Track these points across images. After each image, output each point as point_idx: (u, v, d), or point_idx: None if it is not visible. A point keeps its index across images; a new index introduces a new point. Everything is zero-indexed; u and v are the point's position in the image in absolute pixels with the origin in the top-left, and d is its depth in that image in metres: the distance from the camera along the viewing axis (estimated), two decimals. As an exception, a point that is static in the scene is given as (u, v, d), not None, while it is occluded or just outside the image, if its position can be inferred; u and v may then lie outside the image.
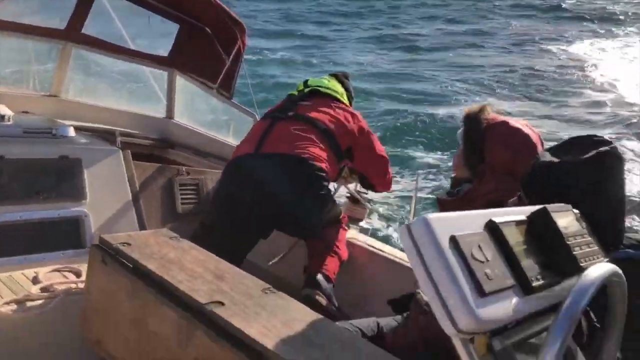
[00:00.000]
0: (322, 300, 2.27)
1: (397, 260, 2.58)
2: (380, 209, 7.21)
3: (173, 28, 3.70)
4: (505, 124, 1.66)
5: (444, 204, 1.74)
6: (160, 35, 3.93)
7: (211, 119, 4.09)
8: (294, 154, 2.42)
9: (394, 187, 3.19)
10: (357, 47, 20.55)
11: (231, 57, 3.54)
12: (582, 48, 20.24)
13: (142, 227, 2.68)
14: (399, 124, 13.16)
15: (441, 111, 13.49)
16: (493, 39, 21.74)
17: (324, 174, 2.45)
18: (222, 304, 1.39)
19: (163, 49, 3.83)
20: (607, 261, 0.98)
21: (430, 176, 8.95)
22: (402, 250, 2.78)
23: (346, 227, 2.73)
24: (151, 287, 1.48)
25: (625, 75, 16.54)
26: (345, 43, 21.16)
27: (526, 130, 1.65)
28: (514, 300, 0.82)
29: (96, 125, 3.47)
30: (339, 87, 2.80)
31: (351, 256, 2.64)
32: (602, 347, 1.04)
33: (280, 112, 2.63)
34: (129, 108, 3.92)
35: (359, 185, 3.16)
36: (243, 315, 1.34)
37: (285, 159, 2.42)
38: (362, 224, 3.16)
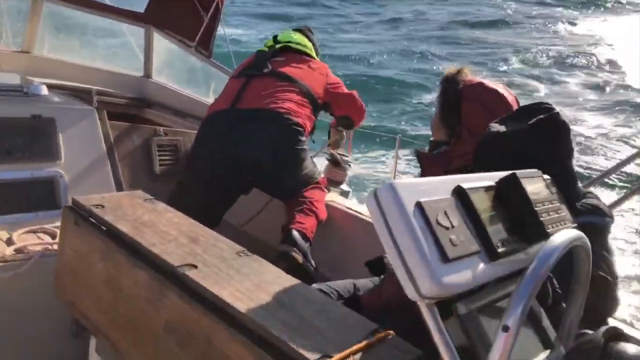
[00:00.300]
0: (298, 257, 2.28)
1: (371, 221, 2.59)
2: (364, 173, 7.26)
3: (149, -18, 3.58)
4: (481, 84, 1.67)
5: (422, 158, 1.76)
6: (136, -10, 3.79)
7: (190, 78, 4.00)
8: (270, 109, 2.41)
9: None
10: (345, 29, 20.36)
11: (209, 13, 3.44)
12: (573, 28, 20.16)
13: (119, 188, 2.65)
14: (386, 99, 13.20)
15: (429, 88, 13.50)
16: (482, 17, 21.51)
17: (300, 129, 2.46)
18: (194, 266, 1.38)
19: (139, 5, 3.70)
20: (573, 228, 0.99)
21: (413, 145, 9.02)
22: None
23: (326, 189, 2.73)
24: (124, 250, 1.47)
25: (622, 56, 16.54)
26: (331, 23, 20.97)
27: (502, 91, 1.65)
28: (479, 266, 0.82)
29: (71, 83, 3.39)
30: (307, 42, 2.80)
31: (330, 218, 2.65)
32: (568, 309, 1.06)
33: (254, 69, 2.58)
34: (105, 66, 3.82)
35: (340, 148, 3.15)
36: (215, 278, 1.34)
37: (261, 113, 2.41)
38: (343, 186, 3.16)
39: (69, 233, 1.66)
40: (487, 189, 0.92)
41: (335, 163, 3.14)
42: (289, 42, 2.72)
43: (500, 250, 0.85)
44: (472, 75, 1.75)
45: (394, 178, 3.72)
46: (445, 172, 1.61)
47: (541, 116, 1.35)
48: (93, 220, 1.60)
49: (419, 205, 0.77)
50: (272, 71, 2.55)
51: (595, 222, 1.31)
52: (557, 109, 1.40)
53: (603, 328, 0.89)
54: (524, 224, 0.94)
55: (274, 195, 2.69)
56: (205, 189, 2.44)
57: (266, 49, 2.73)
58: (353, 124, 2.98)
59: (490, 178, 0.98)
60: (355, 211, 2.72)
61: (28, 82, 2.84)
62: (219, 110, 2.50)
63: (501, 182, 0.94)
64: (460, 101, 1.65)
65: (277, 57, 2.64)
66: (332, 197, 2.88)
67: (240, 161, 2.40)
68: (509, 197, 0.94)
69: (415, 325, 1.06)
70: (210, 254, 1.48)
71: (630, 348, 0.92)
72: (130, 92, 3.71)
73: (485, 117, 1.56)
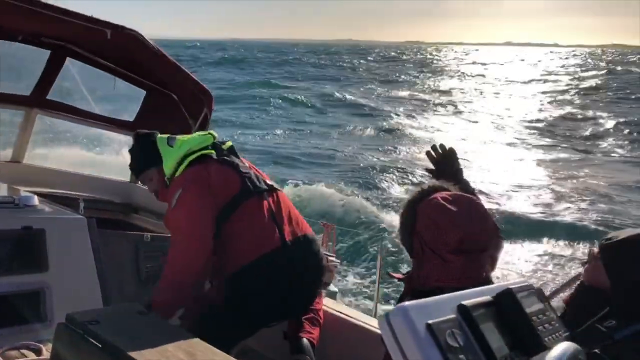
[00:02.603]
0: None
1: (365, 325, 2.61)
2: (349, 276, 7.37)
3: (140, 93, 3.76)
4: (432, 200, 1.62)
5: (405, 283, 1.79)
6: (126, 100, 3.97)
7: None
8: (307, 235, 2.43)
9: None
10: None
11: (198, 123, 3.60)
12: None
13: (106, 297, 2.61)
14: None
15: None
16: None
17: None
18: None
19: (129, 114, 3.87)
20: (567, 337, 1.05)
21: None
22: (366, 313, 2.82)
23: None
24: None
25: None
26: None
27: (450, 206, 1.58)
28: None
29: (58, 191, 3.43)
30: None
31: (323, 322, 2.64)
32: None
33: (255, 185, 2.42)
34: (93, 172, 3.91)
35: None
36: None
37: (306, 242, 2.40)
38: (330, 287, 3.17)
39: (63, 352, 1.63)
40: (486, 304, 0.98)
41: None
42: (225, 142, 2.57)
43: (505, 368, 0.90)
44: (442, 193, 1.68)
45: (379, 274, 3.76)
46: (413, 293, 1.60)
47: None
48: (89, 338, 1.59)
49: (429, 328, 0.82)
50: (269, 186, 2.47)
51: None
52: None
53: None
54: (523, 337, 0.99)
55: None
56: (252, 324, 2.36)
57: (213, 153, 2.45)
58: None
59: (487, 293, 1.04)
60: (346, 314, 2.73)
61: (15, 192, 2.87)
62: (273, 251, 2.31)
63: (498, 298, 1.01)
64: (414, 221, 1.62)
65: (241, 161, 2.51)
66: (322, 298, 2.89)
67: (297, 284, 2.36)
68: (506, 311, 1.00)
69: None
70: None
71: None
72: (117, 198, 3.77)
73: (434, 233, 1.55)
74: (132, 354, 1.49)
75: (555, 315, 1.11)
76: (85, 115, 3.76)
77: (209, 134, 2.50)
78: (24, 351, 2.14)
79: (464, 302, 0.92)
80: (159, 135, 2.56)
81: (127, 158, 4.00)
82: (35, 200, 2.72)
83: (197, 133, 2.55)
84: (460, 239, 1.50)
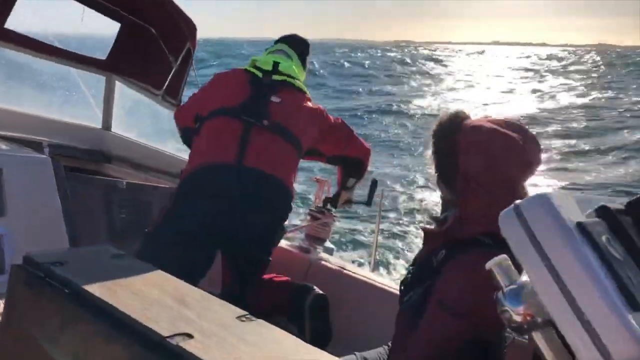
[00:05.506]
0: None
1: (364, 279, 2.39)
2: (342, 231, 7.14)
3: (113, 27, 3.35)
4: (477, 127, 1.39)
5: (428, 235, 1.51)
6: (98, 35, 3.55)
7: (155, 129, 3.72)
8: (277, 178, 2.22)
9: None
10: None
11: (179, 59, 3.21)
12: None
13: (76, 247, 2.29)
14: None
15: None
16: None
17: (291, 200, 2.33)
18: (190, 336, 1.07)
19: (101, 51, 3.45)
20: None
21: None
22: (361, 266, 2.63)
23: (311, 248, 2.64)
24: (94, 317, 1.14)
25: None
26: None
27: (503, 129, 1.37)
28: None
29: (20, 135, 3.03)
30: (301, 71, 2.56)
31: (322, 281, 2.39)
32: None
33: (252, 114, 2.26)
34: (60, 117, 3.50)
35: (322, 202, 2.90)
36: (220, 350, 1.03)
37: (267, 180, 2.20)
38: (326, 244, 2.89)
39: (19, 298, 1.30)
40: (620, 212, 0.70)
41: (317, 219, 2.85)
42: (290, 76, 2.43)
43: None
44: (471, 116, 1.48)
45: (377, 237, 3.50)
46: (447, 246, 1.36)
47: None
48: (51, 281, 1.27)
49: (581, 228, 0.53)
50: (272, 123, 2.27)
51: None
52: None
53: None
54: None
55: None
56: (192, 247, 2.12)
57: (260, 75, 2.39)
58: (358, 166, 2.65)
59: (594, 203, 0.76)
60: (343, 268, 2.50)
61: None
62: (221, 163, 2.19)
63: (636, 204, 0.72)
64: (456, 152, 1.38)
65: (274, 97, 2.33)
66: (319, 256, 2.66)
67: (228, 207, 2.16)
68: None
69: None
70: (207, 319, 1.17)
71: None
72: (87, 145, 3.39)
73: (486, 164, 1.32)
74: (107, 299, 1.19)
75: None
76: (51, 51, 3.32)
77: (278, 61, 2.44)
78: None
79: (608, 205, 0.63)
80: (286, 36, 2.65)
81: (98, 102, 3.63)
82: None
83: (274, 56, 2.50)
84: (520, 169, 1.30)
